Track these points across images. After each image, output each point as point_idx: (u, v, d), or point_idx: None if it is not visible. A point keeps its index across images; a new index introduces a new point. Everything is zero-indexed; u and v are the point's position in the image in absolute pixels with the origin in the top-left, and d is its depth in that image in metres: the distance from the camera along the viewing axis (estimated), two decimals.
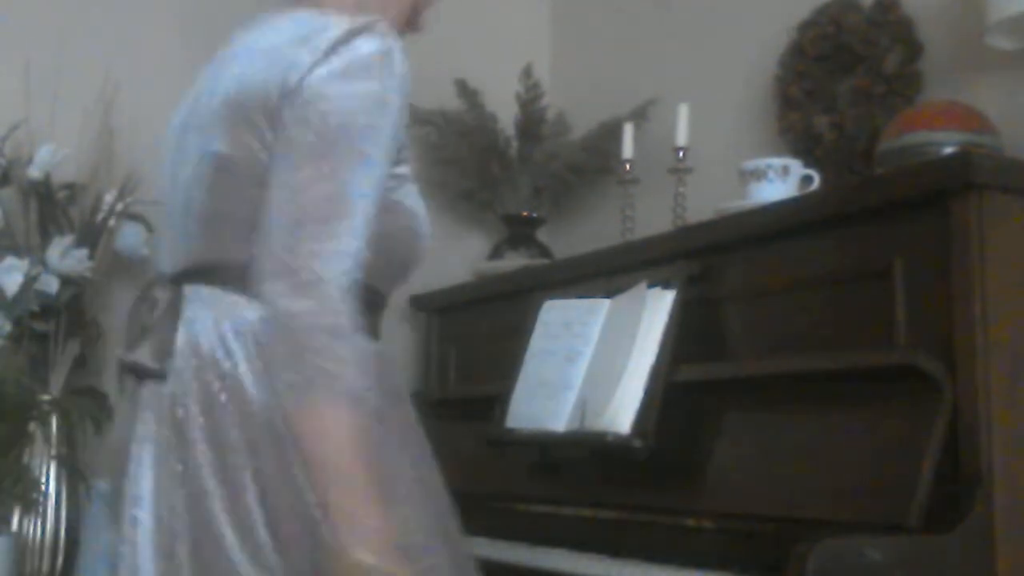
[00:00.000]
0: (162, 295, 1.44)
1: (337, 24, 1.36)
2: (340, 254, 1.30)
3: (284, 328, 1.27)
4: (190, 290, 1.39)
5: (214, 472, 1.30)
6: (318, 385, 1.25)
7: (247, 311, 1.32)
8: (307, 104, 1.33)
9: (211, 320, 1.35)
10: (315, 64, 1.33)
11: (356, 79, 1.34)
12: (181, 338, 1.36)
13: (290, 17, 1.45)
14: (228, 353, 1.34)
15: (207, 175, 1.41)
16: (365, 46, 1.35)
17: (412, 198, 1.55)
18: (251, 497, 1.29)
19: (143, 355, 1.41)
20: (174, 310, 1.39)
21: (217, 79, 1.47)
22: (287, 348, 1.27)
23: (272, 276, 1.28)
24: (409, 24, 1.69)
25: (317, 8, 1.45)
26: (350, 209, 1.31)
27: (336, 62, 1.34)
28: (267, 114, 1.35)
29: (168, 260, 1.47)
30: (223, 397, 1.33)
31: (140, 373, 1.41)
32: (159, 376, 1.37)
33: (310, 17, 1.41)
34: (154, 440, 1.35)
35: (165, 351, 1.37)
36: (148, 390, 1.38)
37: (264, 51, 1.42)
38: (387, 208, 1.39)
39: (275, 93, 1.34)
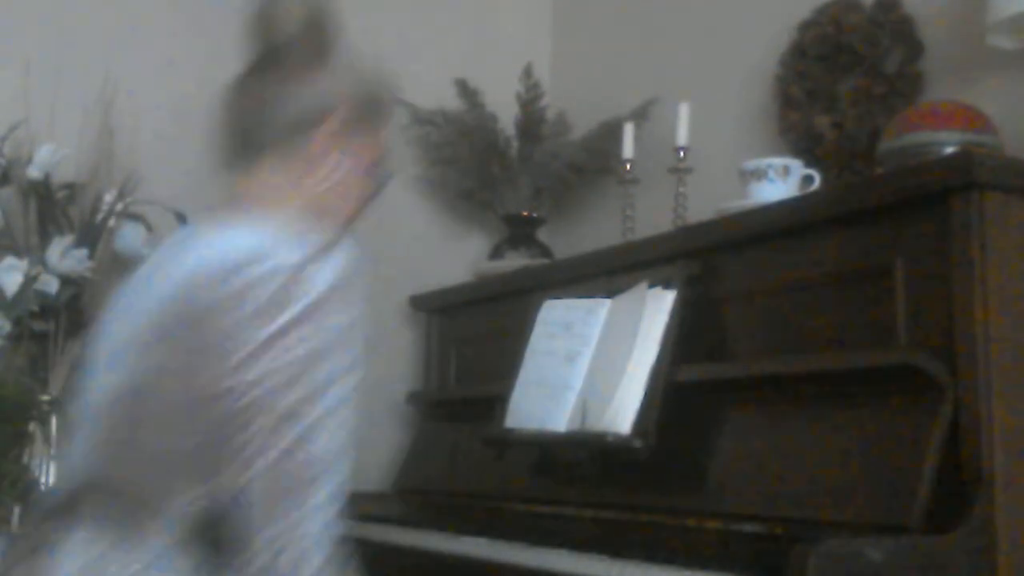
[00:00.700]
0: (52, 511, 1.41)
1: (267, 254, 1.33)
2: None
3: None
4: (73, 525, 1.36)
5: None
6: None
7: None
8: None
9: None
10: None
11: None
12: None
13: (220, 234, 1.41)
14: None
15: (117, 400, 1.38)
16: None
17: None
18: None
19: None
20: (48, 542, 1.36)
21: (134, 301, 1.44)
22: None
23: None
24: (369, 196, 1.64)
25: (257, 216, 1.42)
26: None
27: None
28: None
29: (67, 473, 1.45)
30: None
31: None
32: None
33: (240, 238, 1.37)
34: None
35: None
36: None
37: (182, 277, 1.38)
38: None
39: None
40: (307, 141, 1.51)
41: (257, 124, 1.52)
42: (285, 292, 1.30)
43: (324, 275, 1.32)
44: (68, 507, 1.39)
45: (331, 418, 1.30)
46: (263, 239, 1.36)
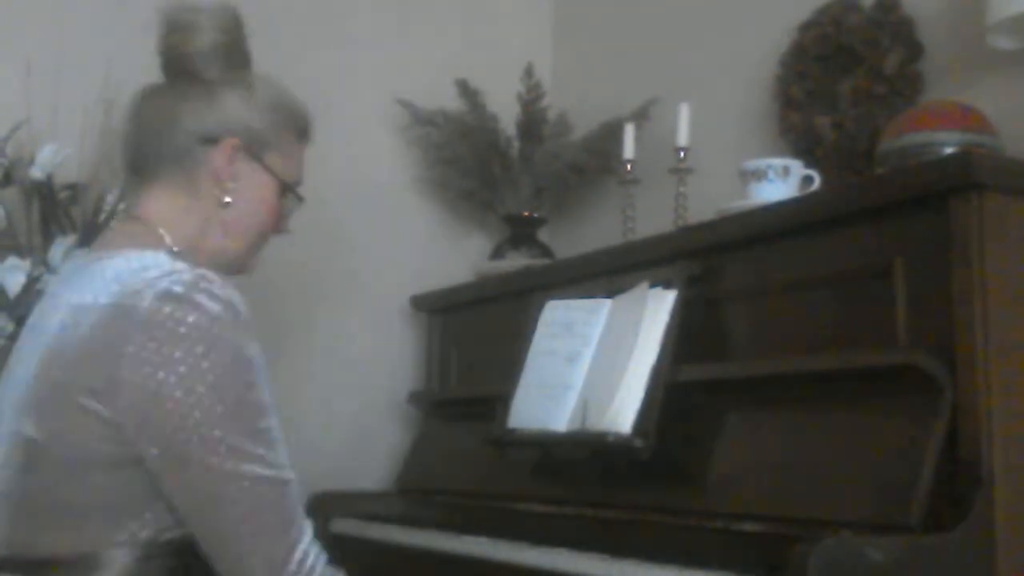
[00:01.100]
0: None
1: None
2: None
3: None
4: None
5: None
6: None
7: None
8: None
9: None
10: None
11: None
12: None
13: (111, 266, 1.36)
14: None
15: (17, 457, 1.33)
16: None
17: None
18: None
19: None
20: None
21: (35, 340, 1.39)
22: None
23: None
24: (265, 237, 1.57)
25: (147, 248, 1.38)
26: None
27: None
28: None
29: None
30: None
31: None
32: None
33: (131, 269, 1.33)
34: None
35: None
36: None
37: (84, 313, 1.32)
38: None
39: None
40: (200, 163, 1.45)
41: (157, 138, 1.47)
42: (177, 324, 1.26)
43: (213, 305, 1.28)
44: None
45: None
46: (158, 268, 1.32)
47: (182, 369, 1.24)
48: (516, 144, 2.94)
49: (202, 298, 1.27)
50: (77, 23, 2.50)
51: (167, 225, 1.44)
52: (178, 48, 1.49)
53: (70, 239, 2.25)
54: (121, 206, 2.34)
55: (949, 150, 1.82)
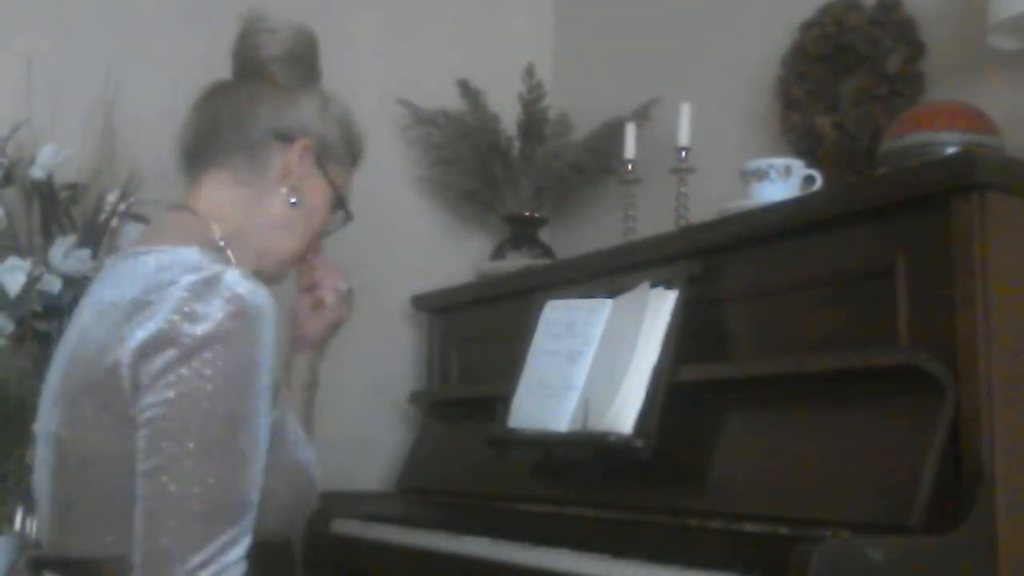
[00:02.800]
0: None
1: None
2: None
3: None
4: None
5: None
6: None
7: None
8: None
9: None
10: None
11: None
12: None
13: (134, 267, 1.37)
14: None
15: (51, 456, 1.36)
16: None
17: None
18: None
19: None
20: None
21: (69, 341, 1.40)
22: None
23: None
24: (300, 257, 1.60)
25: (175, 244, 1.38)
26: None
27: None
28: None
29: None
30: None
31: None
32: None
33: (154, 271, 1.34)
34: None
35: None
36: None
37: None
38: None
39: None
40: (271, 158, 1.48)
41: (231, 128, 1.49)
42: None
43: (224, 308, 1.27)
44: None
45: None
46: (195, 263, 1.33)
47: (183, 372, 1.24)
48: (517, 144, 2.94)
49: (215, 300, 1.27)
50: (78, 23, 2.51)
51: (219, 215, 1.46)
52: (257, 50, 1.53)
53: (70, 239, 2.25)
54: (122, 206, 2.34)
55: (951, 150, 1.82)
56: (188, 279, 1.28)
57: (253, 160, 1.48)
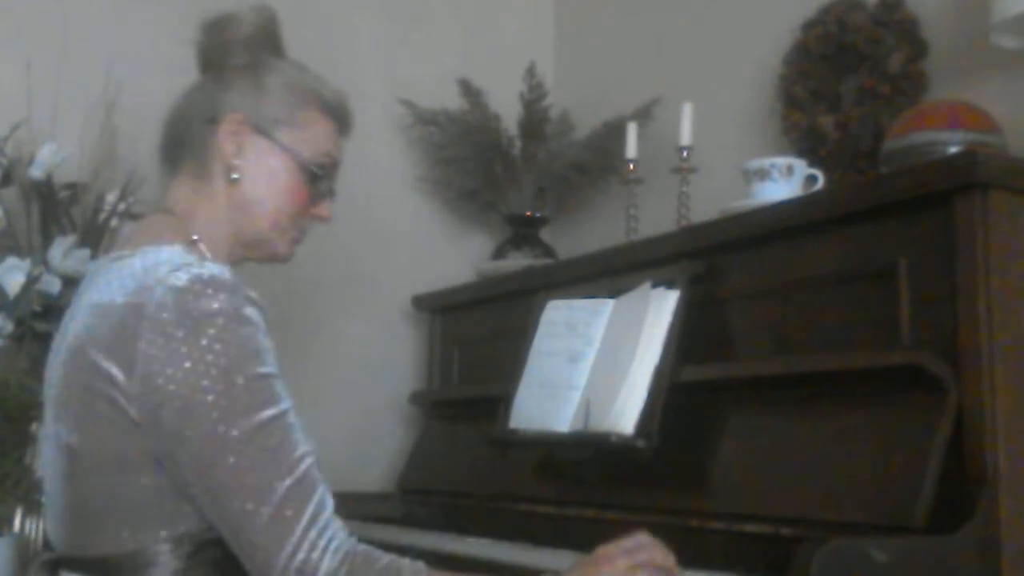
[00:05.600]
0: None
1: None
2: None
3: None
4: None
5: None
6: None
7: None
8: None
9: None
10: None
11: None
12: None
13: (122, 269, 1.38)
14: None
15: (59, 459, 1.36)
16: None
17: None
18: None
19: None
20: None
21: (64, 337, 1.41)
22: None
23: None
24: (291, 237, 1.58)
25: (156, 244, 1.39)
26: None
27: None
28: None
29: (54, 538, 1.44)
30: None
31: None
32: None
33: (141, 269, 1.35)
34: None
35: None
36: None
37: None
38: None
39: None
40: (207, 143, 1.48)
41: (174, 128, 1.52)
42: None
43: (216, 297, 1.29)
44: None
45: None
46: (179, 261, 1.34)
47: (187, 364, 1.25)
48: (518, 143, 2.94)
49: (206, 291, 1.28)
50: (78, 22, 2.50)
51: (188, 213, 1.47)
52: (210, 41, 1.55)
53: (70, 239, 2.25)
54: (121, 206, 2.34)
55: (953, 149, 1.82)
56: (175, 277, 1.30)
57: (194, 151, 1.50)
